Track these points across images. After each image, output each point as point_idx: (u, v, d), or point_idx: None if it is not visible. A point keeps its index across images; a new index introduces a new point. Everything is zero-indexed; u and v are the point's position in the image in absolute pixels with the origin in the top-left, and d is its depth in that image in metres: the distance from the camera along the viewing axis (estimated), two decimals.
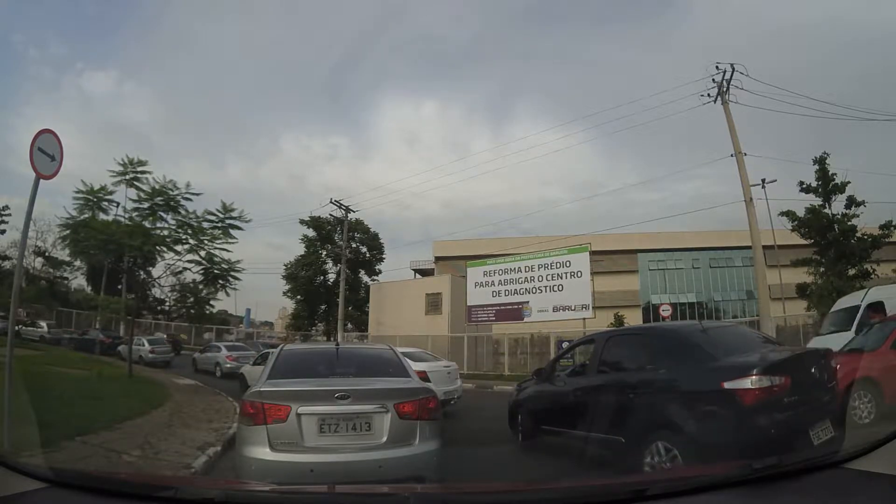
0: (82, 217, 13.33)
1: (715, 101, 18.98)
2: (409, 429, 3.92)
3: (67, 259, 31.79)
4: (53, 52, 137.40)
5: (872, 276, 18.17)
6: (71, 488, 1.81)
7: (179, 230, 13.28)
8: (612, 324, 25.20)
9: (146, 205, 13.10)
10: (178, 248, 13.52)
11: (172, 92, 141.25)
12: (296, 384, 4.11)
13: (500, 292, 24.41)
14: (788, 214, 19.53)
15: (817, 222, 18.81)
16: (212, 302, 16.70)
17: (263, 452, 3.68)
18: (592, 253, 22.47)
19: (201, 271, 14.22)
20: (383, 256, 42.70)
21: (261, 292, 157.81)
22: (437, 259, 45.79)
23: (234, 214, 13.56)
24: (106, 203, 14.33)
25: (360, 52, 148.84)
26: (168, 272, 15.49)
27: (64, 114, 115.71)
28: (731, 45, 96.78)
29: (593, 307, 21.60)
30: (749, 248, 20.15)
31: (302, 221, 39.48)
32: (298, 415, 3.73)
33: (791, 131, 69.06)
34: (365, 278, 41.77)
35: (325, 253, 40.44)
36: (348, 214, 34.32)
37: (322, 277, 40.59)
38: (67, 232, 13.67)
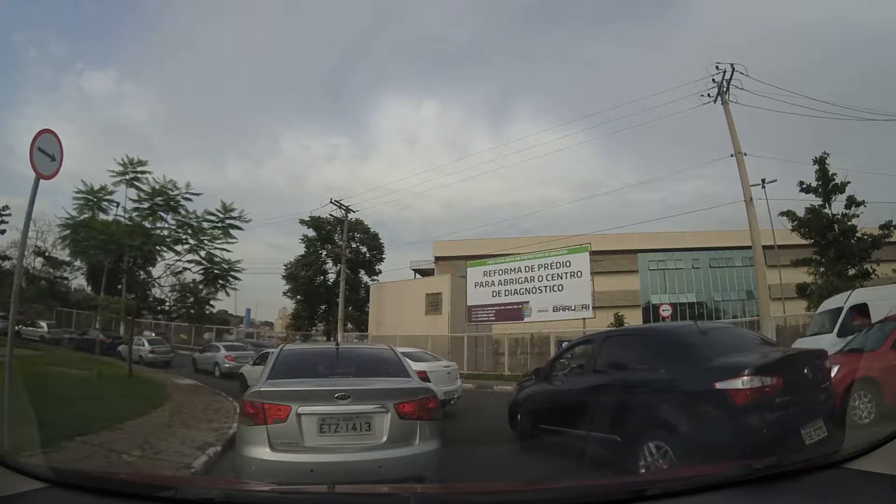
0: (82, 217, 13.34)
1: (715, 101, 18.98)
2: (409, 429, 3.92)
3: (67, 259, 31.75)
4: (53, 52, 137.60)
5: (872, 276, 18.19)
6: (71, 488, 1.81)
7: (179, 230, 13.30)
8: (612, 324, 25.22)
9: (146, 205, 13.12)
10: (178, 248, 13.56)
11: (172, 92, 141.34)
12: (296, 384, 4.11)
13: (500, 292, 24.41)
14: (788, 214, 19.56)
15: (817, 222, 18.84)
16: (212, 302, 16.68)
17: (263, 452, 3.68)
18: (592, 253, 22.45)
19: (201, 271, 14.25)
20: (383, 256, 42.75)
21: (261, 292, 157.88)
22: (437, 259, 45.79)
23: (234, 214, 13.60)
24: (106, 203, 14.38)
25: (360, 52, 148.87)
26: (168, 272, 15.48)
27: (64, 114, 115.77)
28: (731, 45, 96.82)
29: (593, 307, 21.58)
30: (749, 248, 20.13)
31: (302, 221, 39.54)
32: (298, 415, 3.73)
33: (791, 131, 69.09)
34: (365, 278, 41.78)
35: (325, 253, 40.43)
36: (348, 214, 34.32)
37: (322, 277, 40.58)
38: (67, 232, 13.68)
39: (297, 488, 2.57)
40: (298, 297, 40.29)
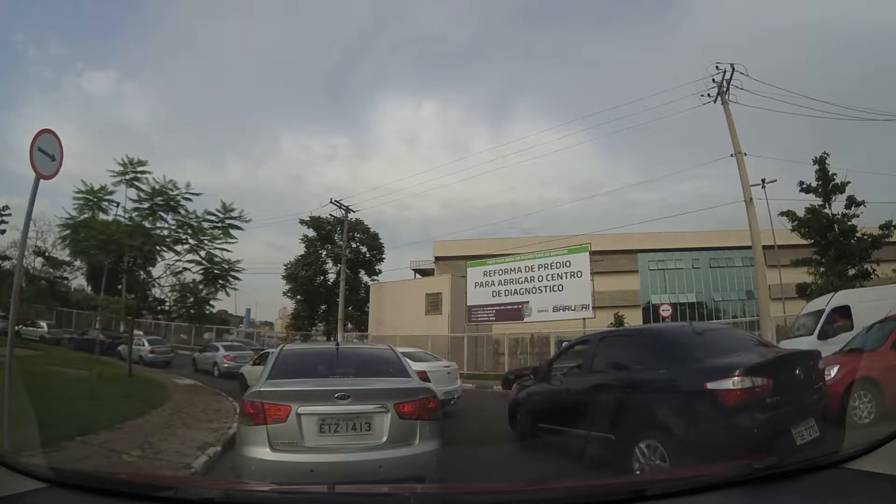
0: (82, 217, 13.35)
1: (715, 101, 18.96)
2: (409, 429, 3.92)
3: (67, 259, 31.75)
4: (53, 52, 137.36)
5: (872, 276, 18.19)
6: (71, 488, 1.81)
7: (179, 230, 13.30)
8: (612, 324, 25.19)
9: (146, 205, 13.13)
10: (178, 248, 13.57)
11: (172, 92, 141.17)
12: (296, 384, 4.11)
13: (500, 292, 24.41)
14: (788, 214, 19.55)
15: (817, 222, 18.83)
16: (212, 302, 16.71)
17: (263, 452, 3.68)
18: (592, 253, 22.46)
19: (201, 271, 14.26)
20: (383, 256, 42.75)
21: (261, 292, 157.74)
22: (437, 259, 45.79)
23: (234, 214, 13.62)
24: (106, 203, 14.39)
25: (360, 52, 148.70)
26: (168, 272, 15.49)
27: (64, 114, 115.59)
28: (731, 45, 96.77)
29: (593, 307, 21.59)
30: (749, 248, 20.12)
31: (302, 221, 39.55)
32: (298, 415, 3.73)
33: (791, 131, 69.06)
34: (365, 278, 41.78)
35: (325, 253, 40.44)
36: (348, 214, 34.33)
37: (322, 277, 40.59)
38: (67, 232, 13.69)
39: (297, 488, 2.57)
40: (298, 297, 40.30)
